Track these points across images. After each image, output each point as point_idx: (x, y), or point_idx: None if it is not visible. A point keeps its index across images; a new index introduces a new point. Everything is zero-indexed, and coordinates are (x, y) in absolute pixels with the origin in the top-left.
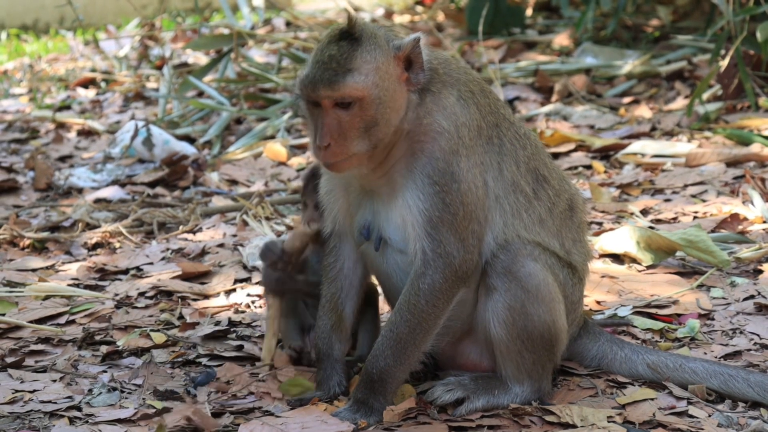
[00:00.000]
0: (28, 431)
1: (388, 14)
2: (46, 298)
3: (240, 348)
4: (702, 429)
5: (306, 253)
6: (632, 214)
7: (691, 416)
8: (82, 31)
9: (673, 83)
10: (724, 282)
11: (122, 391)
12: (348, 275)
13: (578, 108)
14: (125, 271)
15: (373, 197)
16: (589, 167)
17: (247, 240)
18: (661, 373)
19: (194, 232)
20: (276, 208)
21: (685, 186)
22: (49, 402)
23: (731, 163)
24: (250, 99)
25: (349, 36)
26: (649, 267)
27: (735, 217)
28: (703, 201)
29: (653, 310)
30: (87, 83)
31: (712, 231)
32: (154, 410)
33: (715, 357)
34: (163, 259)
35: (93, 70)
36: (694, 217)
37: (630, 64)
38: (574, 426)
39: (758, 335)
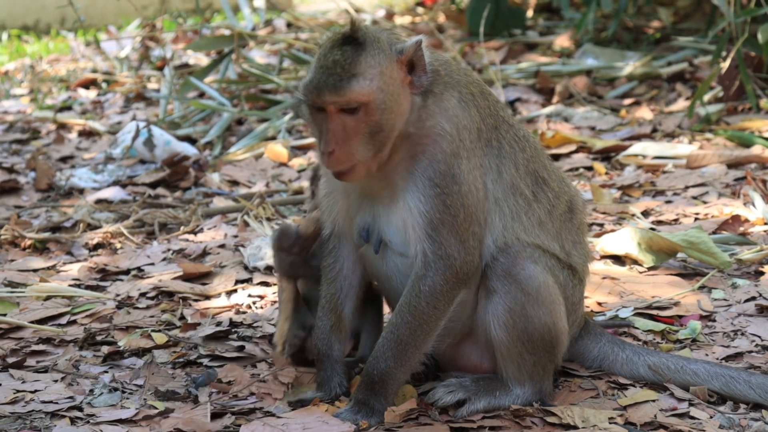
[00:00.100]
0: (29, 431)
1: (389, 15)
2: (48, 298)
3: (241, 348)
4: (703, 431)
5: (319, 238)
6: (633, 215)
7: (692, 418)
8: (83, 31)
9: (674, 85)
10: (725, 283)
11: (123, 392)
12: (347, 276)
13: (579, 109)
14: (126, 272)
15: (373, 200)
16: (590, 169)
17: (248, 241)
18: (662, 375)
19: (195, 233)
20: (277, 208)
21: (686, 188)
22: (51, 402)
23: (732, 165)
24: (251, 100)
25: (352, 40)
26: (650, 268)
27: (736, 219)
28: (704, 203)
29: (654, 312)
30: (88, 84)
31: (714, 232)
32: (155, 411)
33: (717, 358)
34: (164, 259)
35: (94, 71)
36: (696, 219)
37: (631, 65)
38: (575, 427)
39: (759, 337)
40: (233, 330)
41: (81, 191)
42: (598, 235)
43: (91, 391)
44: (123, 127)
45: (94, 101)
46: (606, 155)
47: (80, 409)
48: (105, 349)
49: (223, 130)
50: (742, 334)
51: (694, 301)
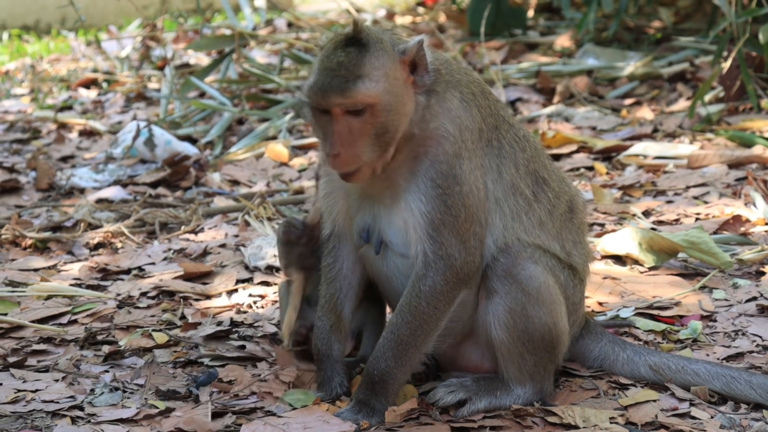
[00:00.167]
0: (30, 431)
1: (390, 15)
2: (48, 297)
3: (242, 348)
4: (704, 431)
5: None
6: (634, 215)
7: (693, 418)
8: (83, 31)
9: (675, 85)
10: (726, 283)
11: (124, 391)
12: (347, 276)
13: (580, 109)
14: (127, 271)
15: (373, 200)
16: (591, 169)
17: (249, 240)
18: (663, 375)
19: (196, 233)
20: (278, 208)
21: (687, 188)
22: (52, 402)
23: (733, 165)
24: (251, 99)
25: (355, 42)
26: (651, 268)
27: (737, 219)
28: (705, 203)
29: (655, 312)
30: (89, 84)
31: (715, 233)
32: (156, 410)
33: (718, 359)
34: (165, 259)
35: (95, 71)
36: (697, 219)
37: (632, 65)
38: (576, 427)
39: (760, 337)
40: (234, 330)
41: (82, 191)
42: (599, 235)
43: (92, 390)
44: (124, 126)
45: (95, 101)
46: (607, 155)
47: (81, 409)
48: (106, 348)
49: (223, 130)
50: (743, 334)
51: (695, 301)
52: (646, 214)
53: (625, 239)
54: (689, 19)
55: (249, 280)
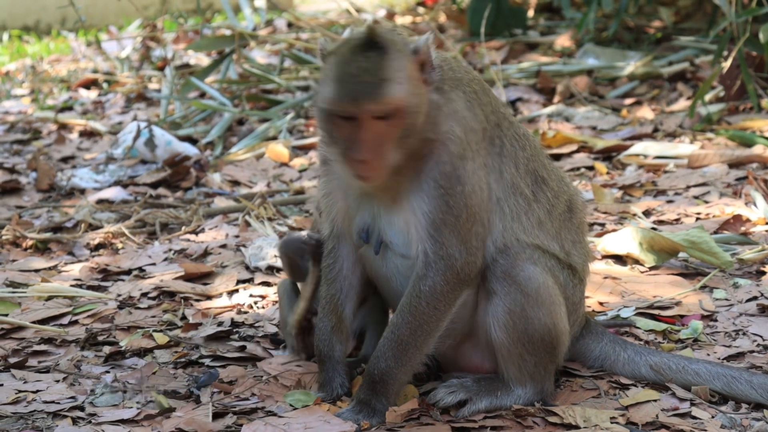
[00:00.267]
0: (31, 431)
1: (390, 15)
2: (49, 298)
3: (243, 349)
4: (705, 431)
5: None
6: (635, 215)
7: (694, 418)
8: (84, 32)
9: (676, 84)
10: (726, 283)
11: (125, 392)
12: (347, 276)
13: (580, 109)
14: (128, 272)
15: (373, 200)
16: (591, 168)
17: (250, 241)
18: (664, 375)
19: (196, 233)
20: (278, 208)
21: (688, 187)
22: (52, 402)
23: (734, 165)
24: (252, 100)
25: (374, 45)
26: (651, 268)
27: (738, 219)
28: (706, 202)
29: (656, 312)
30: (89, 84)
31: (715, 232)
32: (157, 410)
33: (718, 358)
34: (165, 259)
35: (95, 71)
36: (697, 219)
37: (632, 65)
38: (576, 427)
39: (761, 336)
40: (235, 330)
41: (82, 191)
42: (600, 235)
43: (93, 391)
44: (124, 127)
45: (95, 101)
46: (607, 155)
47: (82, 409)
48: (106, 349)
49: (224, 130)
50: (744, 333)
51: (695, 300)
52: (647, 213)
53: (625, 239)
54: (689, 18)
55: (250, 281)
